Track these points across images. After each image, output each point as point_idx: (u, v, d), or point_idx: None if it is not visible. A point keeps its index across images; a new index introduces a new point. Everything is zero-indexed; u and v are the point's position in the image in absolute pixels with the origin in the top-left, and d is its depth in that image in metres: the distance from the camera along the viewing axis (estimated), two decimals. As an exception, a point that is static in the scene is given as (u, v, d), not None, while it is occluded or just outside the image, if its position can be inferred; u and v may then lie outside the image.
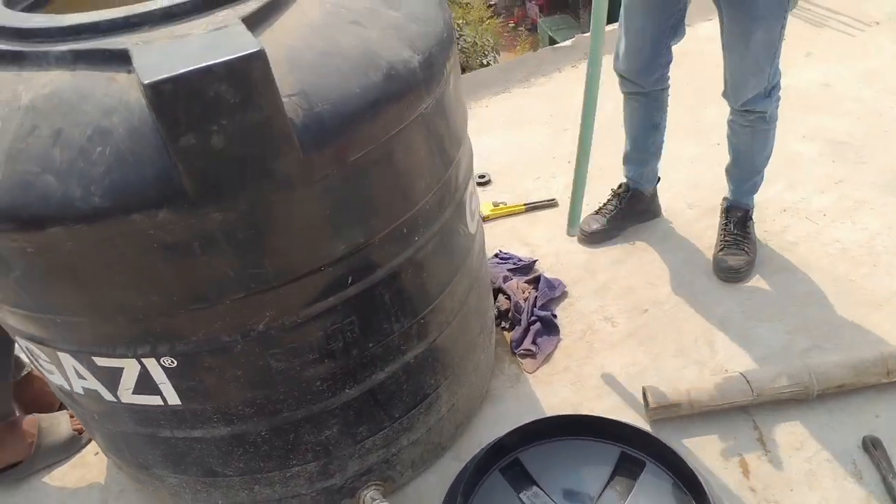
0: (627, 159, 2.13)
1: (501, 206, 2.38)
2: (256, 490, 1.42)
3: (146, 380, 1.20)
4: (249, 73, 0.91)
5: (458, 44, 1.90)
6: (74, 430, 1.78)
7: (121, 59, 0.95)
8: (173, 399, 1.23)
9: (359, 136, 1.07)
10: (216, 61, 0.87)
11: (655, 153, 2.09)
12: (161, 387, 1.21)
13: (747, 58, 1.67)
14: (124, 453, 1.44)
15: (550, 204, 2.37)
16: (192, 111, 0.89)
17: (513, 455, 1.50)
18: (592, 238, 2.15)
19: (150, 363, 1.17)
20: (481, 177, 2.56)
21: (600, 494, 1.41)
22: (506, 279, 2.01)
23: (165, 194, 0.96)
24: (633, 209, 2.16)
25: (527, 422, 1.50)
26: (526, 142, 2.76)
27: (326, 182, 1.07)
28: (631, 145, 2.08)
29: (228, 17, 1.03)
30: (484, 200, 2.38)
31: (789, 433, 1.53)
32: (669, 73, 1.93)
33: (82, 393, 1.28)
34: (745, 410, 1.58)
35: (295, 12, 1.13)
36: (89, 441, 1.79)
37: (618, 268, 2.07)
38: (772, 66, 1.69)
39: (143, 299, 1.07)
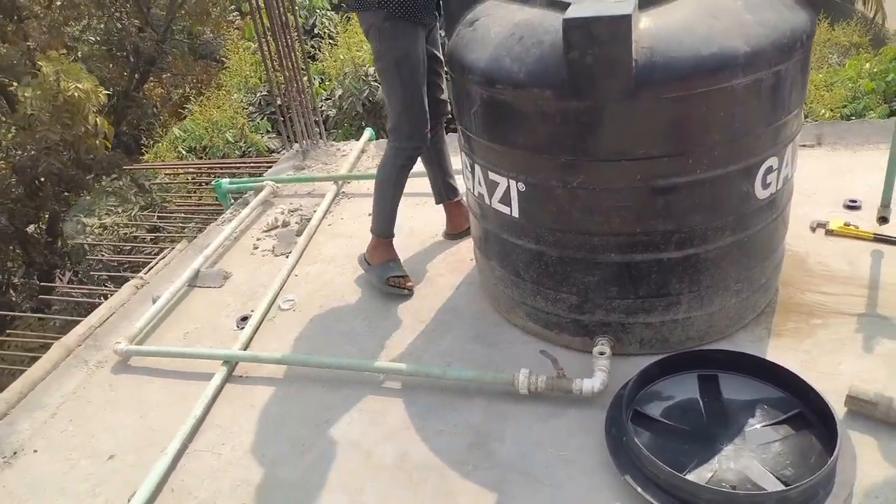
0: None
1: (852, 227, 2.61)
2: (537, 300, 2.24)
3: (507, 194, 2.10)
4: (617, 25, 1.67)
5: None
6: None
7: (564, 7, 1.80)
8: (516, 212, 2.11)
9: (676, 84, 1.74)
10: (601, 15, 1.66)
11: None
12: (512, 202, 2.10)
13: None
14: (482, 244, 2.41)
15: (899, 243, 2.50)
16: (578, 39, 1.70)
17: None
18: None
19: (512, 184, 2.06)
20: (852, 201, 2.78)
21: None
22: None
23: (554, 83, 1.80)
24: None
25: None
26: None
27: (644, 104, 1.76)
28: None
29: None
30: (844, 220, 2.65)
31: None
32: None
33: (476, 195, 2.26)
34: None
35: (677, 4, 1.82)
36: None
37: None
38: None
39: (523, 141, 1.96)
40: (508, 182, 2.09)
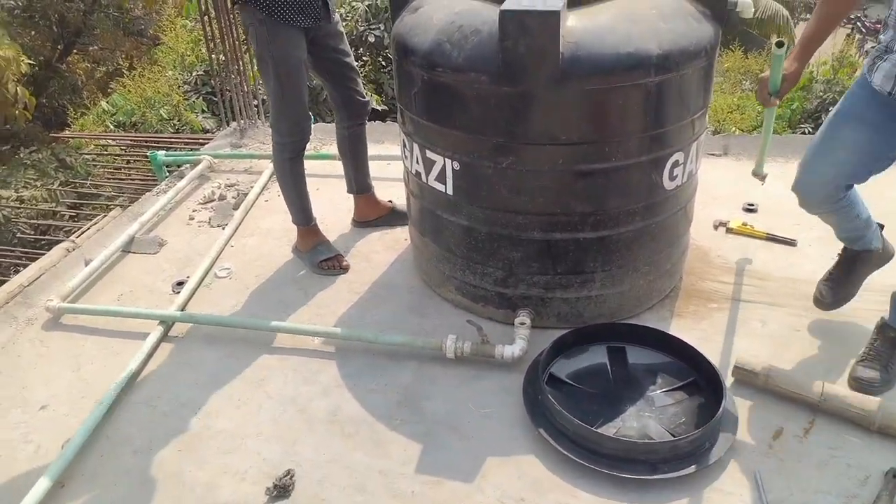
0: None
1: (749, 227, 2.93)
2: (466, 274, 2.43)
3: (442, 173, 2.28)
4: (547, 19, 1.87)
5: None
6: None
7: (501, 0, 1.99)
8: (450, 190, 2.29)
9: (597, 78, 1.96)
10: (533, 9, 1.86)
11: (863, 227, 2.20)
12: (447, 180, 2.28)
13: None
14: (417, 222, 2.58)
15: (789, 242, 2.83)
16: (512, 30, 1.89)
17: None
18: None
19: (448, 163, 2.24)
20: (750, 205, 3.12)
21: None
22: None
23: (489, 69, 1.99)
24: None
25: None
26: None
27: (569, 94, 1.98)
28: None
29: (563, -2, 1.99)
30: (743, 220, 2.96)
31: (834, 436, 1.92)
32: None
33: (414, 173, 2.42)
34: (813, 410, 2.00)
35: (601, 7, 2.05)
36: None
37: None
38: None
39: (459, 122, 2.14)
40: (444, 161, 2.26)
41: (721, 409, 1.90)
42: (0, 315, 2.59)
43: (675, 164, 2.23)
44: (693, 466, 1.81)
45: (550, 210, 2.20)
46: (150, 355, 2.33)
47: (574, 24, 2.00)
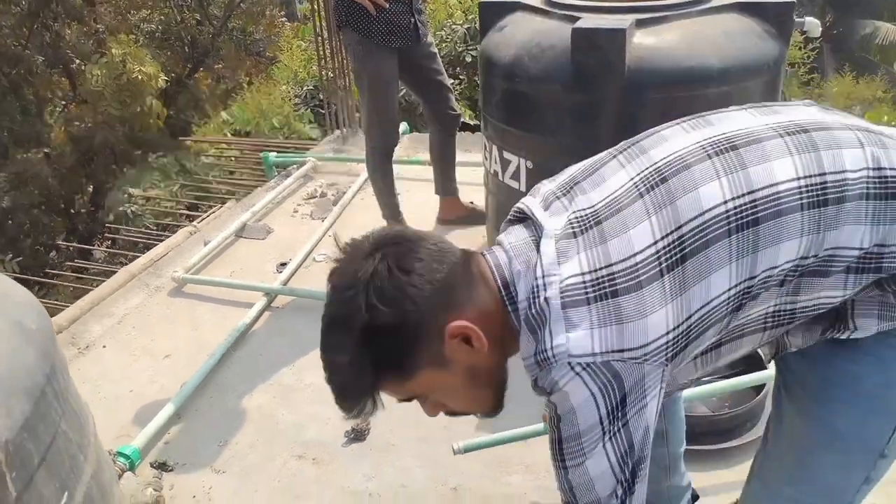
0: None
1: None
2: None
3: (517, 171, 2.53)
4: (615, 36, 2.10)
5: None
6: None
7: (574, 20, 2.24)
8: (523, 187, 2.53)
9: (659, 88, 2.16)
10: (601, 27, 2.10)
11: None
12: (521, 177, 2.52)
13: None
14: (493, 218, 2.83)
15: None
16: (583, 45, 2.13)
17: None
18: None
19: (522, 162, 2.49)
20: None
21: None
22: None
23: (562, 79, 2.24)
24: None
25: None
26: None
27: (632, 102, 2.19)
28: None
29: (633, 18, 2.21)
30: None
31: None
32: None
33: (493, 173, 2.69)
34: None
35: (668, 27, 2.25)
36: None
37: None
38: None
39: (533, 126, 2.39)
40: (519, 160, 2.51)
41: (762, 393, 2.03)
42: (135, 283, 3.05)
43: (736, 170, 2.38)
44: (729, 442, 1.95)
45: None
46: (254, 320, 2.70)
47: (640, 40, 2.21)
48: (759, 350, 1.15)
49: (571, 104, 2.28)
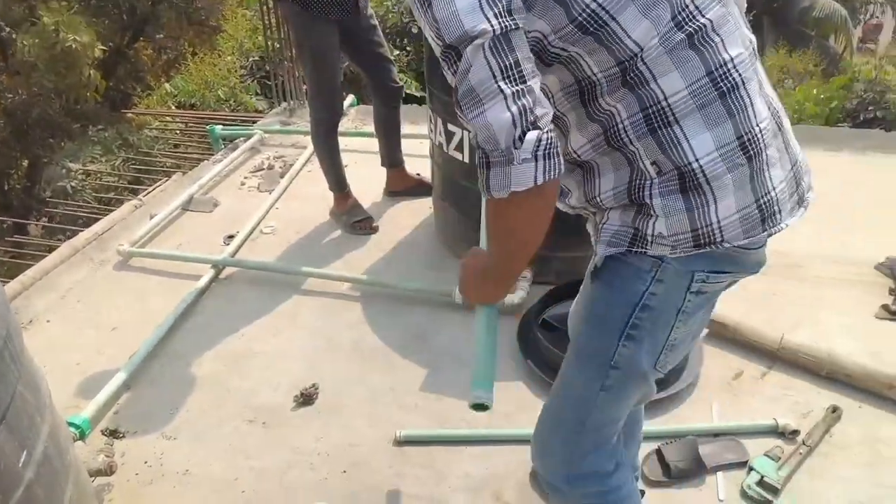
0: None
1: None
2: (478, 234, 2.74)
3: (460, 143, 2.61)
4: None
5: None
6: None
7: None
8: (466, 158, 2.62)
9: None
10: None
11: None
12: (464, 149, 2.61)
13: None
14: (439, 189, 2.92)
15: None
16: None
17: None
18: None
19: (464, 134, 2.57)
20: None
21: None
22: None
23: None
24: None
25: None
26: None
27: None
28: None
29: None
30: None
31: (787, 379, 2.19)
32: None
33: (437, 145, 2.76)
34: (772, 358, 2.27)
35: None
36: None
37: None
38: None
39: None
40: (462, 132, 2.59)
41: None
42: (78, 257, 3.03)
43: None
44: (656, 395, 2.10)
45: (552, 178, 2.51)
46: (202, 292, 2.73)
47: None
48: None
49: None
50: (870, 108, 7.40)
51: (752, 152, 1.04)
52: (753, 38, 1.12)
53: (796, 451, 1.92)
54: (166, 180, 3.83)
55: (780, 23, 14.41)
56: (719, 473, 1.88)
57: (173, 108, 6.51)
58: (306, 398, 2.19)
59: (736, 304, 2.55)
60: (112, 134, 7.79)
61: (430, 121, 2.81)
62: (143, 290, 2.80)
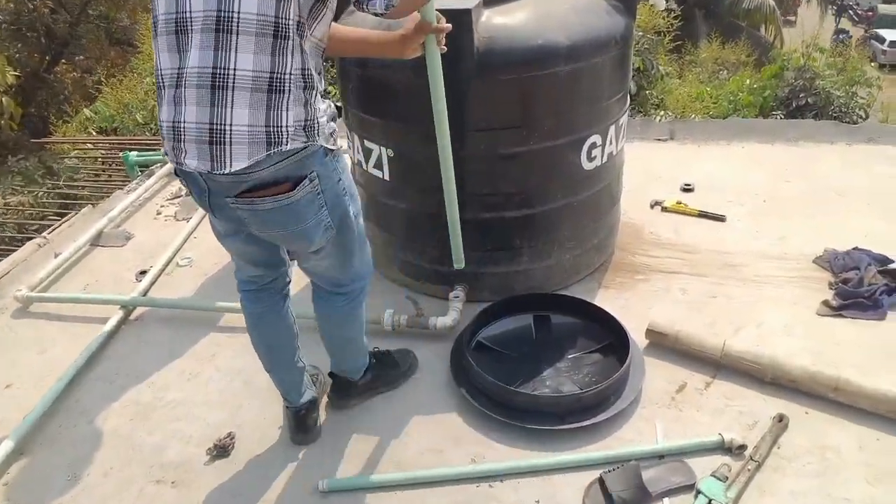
0: None
1: (682, 205, 3.11)
2: (407, 254, 2.60)
3: (379, 160, 2.46)
4: (461, 17, 2.05)
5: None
6: None
7: None
8: (387, 176, 2.47)
9: (510, 69, 2.14)
10: (448, 7, 2.04)
11: None
12: (384, 167, 2.46)
13: None
14: (363, 210, 2.75)
15: (718, 218, 3.01)
16: (429, 24, 2.07)
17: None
18: None
19: (383, 150, 2.42)
20: (687, 185, 3.30)
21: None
22: (868, 264, 2.60)
23: (413, 63, 2.15)
24: None
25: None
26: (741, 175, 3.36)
27: (485, 85, 2.15)
28: None
29: (480, -3, 2.17)
30: (678, 199, 3.15)
31: (731, 388, 2.10)
32: None
33: (356, 162, 2.60)
34: (716, 366, 2.17)
35: (516, 5, 2.22)
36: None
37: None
38: None
39: (390, 113, 2.31)
40: (380, 149, 2.44)
41: (625, 366, 2.08)
42: (-28, 306, 2.78)
43: (593, 145, 2.41)
44: (596, 417, 1.98)
45: (478, 191, 2.37)
46: (110, 336, 2.51)
47: (489, 20, 2.18)
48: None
49: (425, 89, 2.22)
50: (801, 94, 7.52)
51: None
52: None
53: (744, 468, 1.82)
54: (75, 213, 3.58)
55: (712, 15, 14.72)
56: (665, 500, 1.77)
57: (94, 133, 6.18)
58: (220, 450, 2.01)
59: (675, 310, 2.47)
60: (34, 163, 7.40)
61: (348, 138, 2.66)
62: (44, 340, 2.56)
